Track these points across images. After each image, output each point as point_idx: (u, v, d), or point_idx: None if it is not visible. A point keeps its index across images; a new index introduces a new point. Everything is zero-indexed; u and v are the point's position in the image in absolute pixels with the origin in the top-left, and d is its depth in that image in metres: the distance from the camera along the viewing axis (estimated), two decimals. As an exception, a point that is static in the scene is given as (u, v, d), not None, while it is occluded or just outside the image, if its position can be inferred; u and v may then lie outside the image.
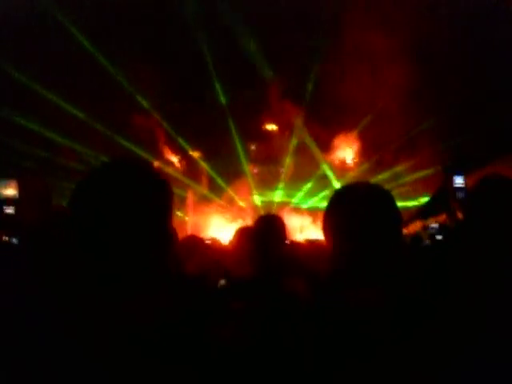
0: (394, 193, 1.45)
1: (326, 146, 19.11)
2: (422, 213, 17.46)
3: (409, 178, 17.99)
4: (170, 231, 1.15)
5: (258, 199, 21.04)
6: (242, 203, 20.66)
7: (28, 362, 0.98)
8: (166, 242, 1.14)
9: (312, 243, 4.89)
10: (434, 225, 11.94)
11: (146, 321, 1.04)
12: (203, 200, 19.88)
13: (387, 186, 1.59)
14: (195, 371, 1.04)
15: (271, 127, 19.63)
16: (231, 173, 20.08)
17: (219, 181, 20.01)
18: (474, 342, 1.25)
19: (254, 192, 20.85)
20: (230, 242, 2.86)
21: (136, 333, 1.01)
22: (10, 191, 13.07)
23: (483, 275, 1.47)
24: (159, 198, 1.13)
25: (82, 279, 1.09)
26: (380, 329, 1.22)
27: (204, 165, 19.90)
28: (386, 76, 13.64)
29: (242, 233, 2.78)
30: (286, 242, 2.90)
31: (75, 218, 1.08)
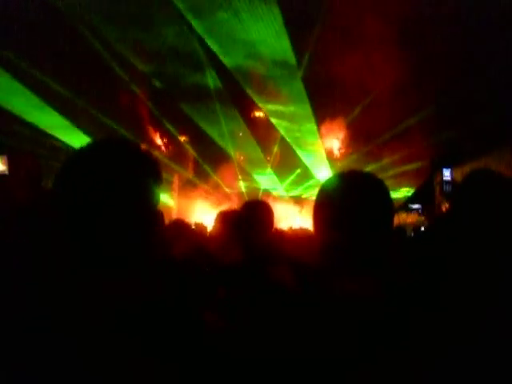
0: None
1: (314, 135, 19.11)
2: (405, 204, 17.66)
3: (395, 171, 18.13)
4: (156, 213, 1.13)
5: (243, 186, 21.06)
6: (227, 189, 20.65)
7: (15, 348, 0.96)
8: (153, 223, 1.11)
9: (295, 232, 4.88)
10: (416, 206, 12.00)
11: (133, 305, 1.02)
12: (189, 185, 19.84)
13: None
14: (184, 357, 1.03)
15: (259, 114, 19.56)
16: (217, 158, 20.04)
17: (205, 166, 19.96)
18: (467, 335, 1.26)
19: (240, 178, 20.86)
20: (213, 227, 2.81)
21: (122, 317, 0.99)
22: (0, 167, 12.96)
23: (473, 268, 1.47)
24: (147, 178, 1.10)
25: (67, 261, 1.06)
26: (370, 319, 1.21)
27: (190, 150, 19.82)
28: (379, 65, 13.61)
29: (225, 217, 2.74)
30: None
31: (60, 198, 1.06)
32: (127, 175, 1.06)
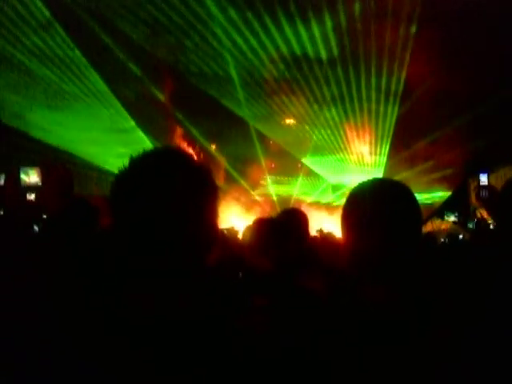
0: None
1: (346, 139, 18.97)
2: (440, 211, 17.37)
3: (429, 177, 17.86)
4: (214, 226, 1.11)
5: (273, 193, 20.99)
6: (257, 197, 20.65)
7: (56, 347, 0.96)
8: (211, 238, 1.10)
9: (326, 237, 4.86)
10: (451, 212, 11.83)
11: (172, 312, 1.02)
12: (219, 191, 19.78)
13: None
14: (221, 365, 1.02)
15: (289, 121, 19.54)
16: (247, 166, 20.08)
17: (235, 173, 20.00)
18: (486, 349, 1.23)
19: (270, 186, 20.82)
20: (249, 234, 2.81)
21: (160, 325, 0.99)
22: (33, 179, 13.52)
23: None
24: (204, 190, 1.09)
25: (107, 270, 1.09)
26: (394, 327, 1.21)
27: (221, 157, 19.89)
28: (418, 71, 13.47)
29: (262, 224, 2.75)
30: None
31: (116, 209, 1.05)
32: (185, 187, 1.05)
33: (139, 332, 0.97)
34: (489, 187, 3.05)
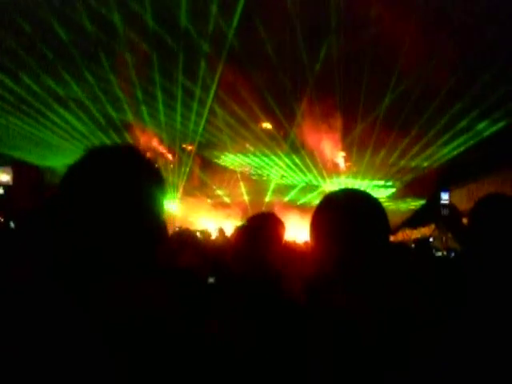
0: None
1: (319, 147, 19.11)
2: (411, 221, 17.72)
3: (399, 186, 18.18)
4: (161, 222, 1.12)
5: (245, 195, 21.03)
6: (227, 199, 20.71)
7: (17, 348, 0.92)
8: (157, 232, 1.10)
9: (288, 244, 4.84)
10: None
11: (136, 312, 1.02)
12: (191, 194, 19.90)
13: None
14: (188, 366, 1.04)
15: (266, 125, 19.58)
16: (220, 168, 20.07)
17: (205, 178, 19.99)
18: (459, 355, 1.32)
19: (243, 188, 20.85)
20: (231, 240, 2.84)
21: (125, 324, 0.98)
22: (5, 177, 13.80)
23: (485, 291, 1.50)
24: (151, 186, 1.10)
25: (66, 267, 1.05)
26: (364, 334, 1.24)
27: (196, 159, 19.84)
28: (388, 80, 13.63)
29: (238, 231, 2.73)
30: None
31: (63, 204, 1.05)
32: (130, 181, 1.07)
33: (98, 324, 0.96)
34: (449, 205, 3.20)
